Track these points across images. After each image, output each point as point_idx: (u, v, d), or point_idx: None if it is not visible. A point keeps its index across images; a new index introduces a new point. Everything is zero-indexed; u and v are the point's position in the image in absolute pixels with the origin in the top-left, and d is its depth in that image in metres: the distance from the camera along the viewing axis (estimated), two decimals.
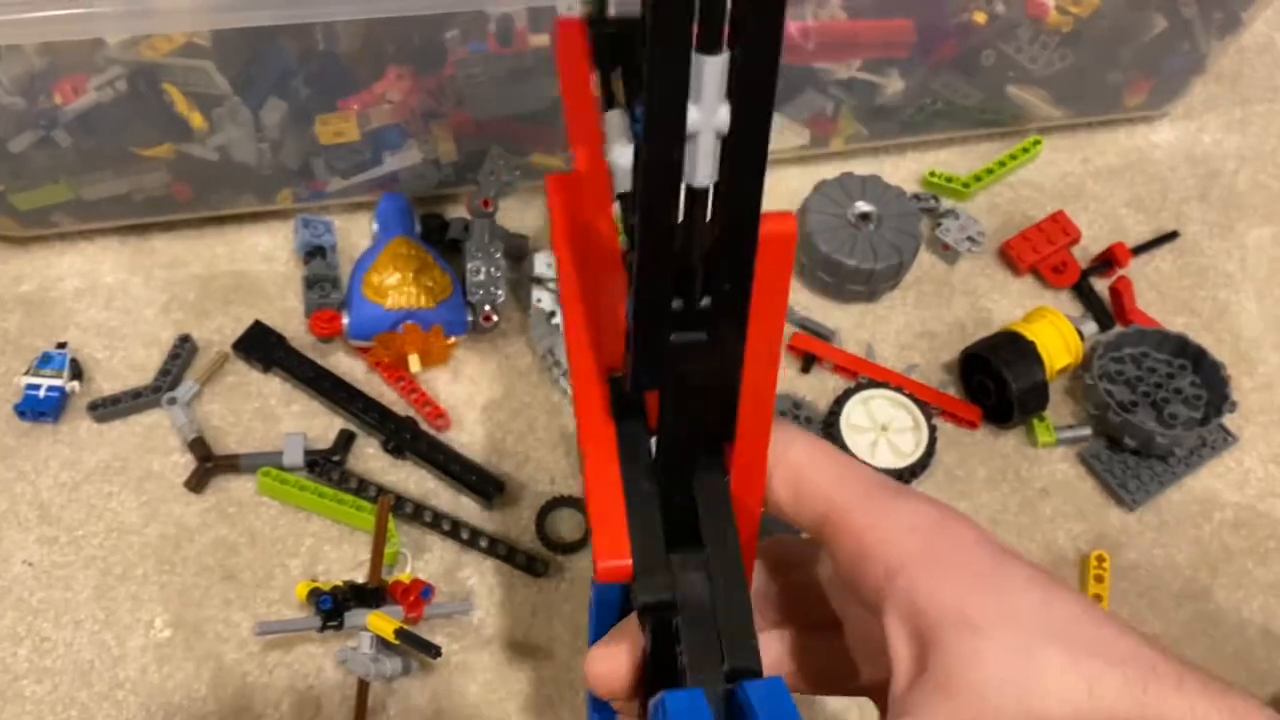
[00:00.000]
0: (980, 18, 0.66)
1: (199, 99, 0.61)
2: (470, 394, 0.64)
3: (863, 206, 0.67)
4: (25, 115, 0.59)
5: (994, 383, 0.63)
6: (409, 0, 0.54)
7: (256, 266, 0.68)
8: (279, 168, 0.65)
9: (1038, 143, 0.75)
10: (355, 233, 0.69)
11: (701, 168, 0.23)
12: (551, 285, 0.67)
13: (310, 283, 0.65)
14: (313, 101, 0.62)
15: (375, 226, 0.67)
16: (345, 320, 0.62)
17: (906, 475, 0.61)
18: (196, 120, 0.61)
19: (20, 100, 0.59)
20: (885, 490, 0.31)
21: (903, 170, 0.74)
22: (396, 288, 0.62)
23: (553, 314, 0.66)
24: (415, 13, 0.55)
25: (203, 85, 0.60)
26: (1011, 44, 0.68)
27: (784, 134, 0.71)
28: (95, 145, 0.61)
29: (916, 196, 0.71)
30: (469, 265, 0.64)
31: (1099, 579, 0.59)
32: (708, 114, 0.22)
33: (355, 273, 0.63)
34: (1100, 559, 0.59)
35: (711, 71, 0.21)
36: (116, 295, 0.66)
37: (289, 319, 0.66)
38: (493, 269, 0.65)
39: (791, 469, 0.31)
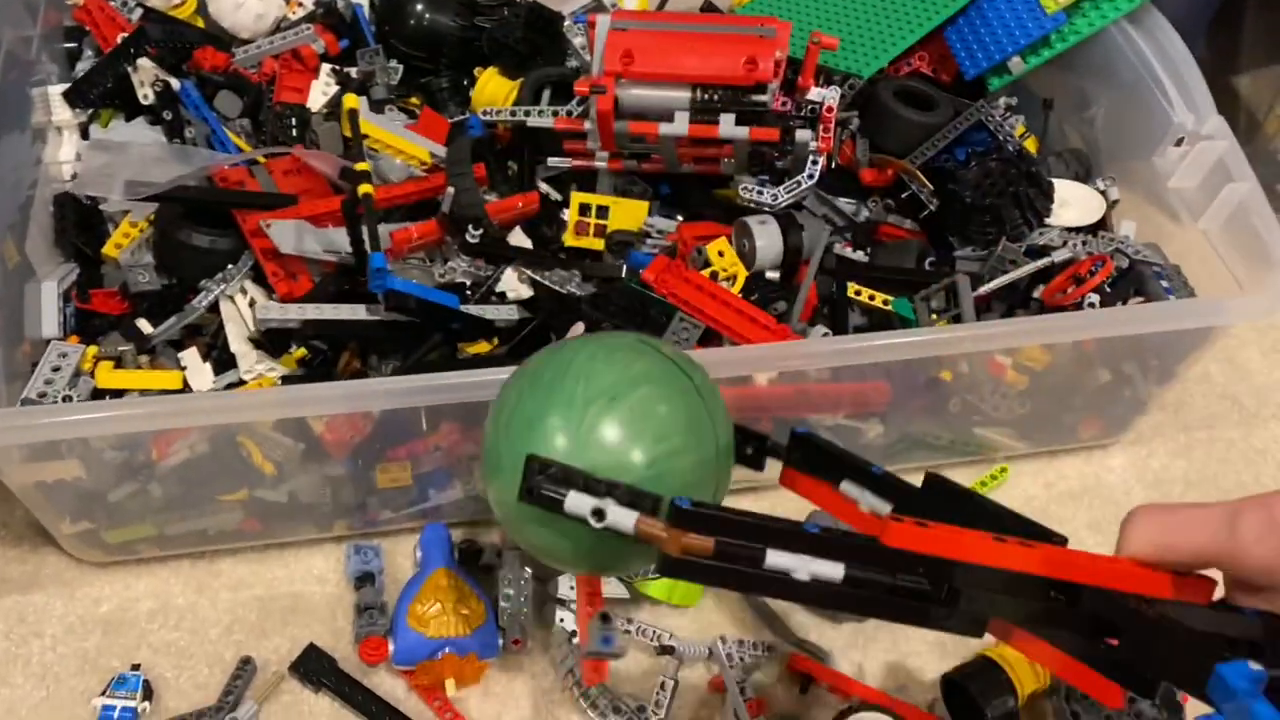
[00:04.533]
0: (947, 375, 0.77)
1: (273, 448, 0.70)
2: (499, 712, 0.71)
3: None
4: (124, 468, 0.68)
5: (972, 708, 0.70)
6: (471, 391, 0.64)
7: (311, 588, 0.76)
8: (338, 505, 0.74)
9: (1004, 470, 0.85)
10: (400, 554, 0.78)
11: None
12: (572, 606, 0.75)
13: (360, 609, 0.73)
14: (374, 452, 0.71)
15: (419, 554, 0.76)
16: (391, 647, 0.70)
17: None
18: (269, 469, 0.71)
19: (122, 454, 0.68)
20: None
21: None
22: (437, 617, 0.70)
23: (573, 634, 0.74)
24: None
25: (275, 443, 0.70)
26: (975, 394, 0.79)
27: (779, 465, 0.80)
28: (183, 493, 0.70)
29: None
30: (502, 593, 0.72)
31: None
32: None
33: (400, 602, 0.71)
34: None
35: None
36: (186, 616, 0.74)
37: (339, 639, 0.73)
38: (522, 597, 0.73)
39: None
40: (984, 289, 0.81)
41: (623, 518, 0.43)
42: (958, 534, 0.41)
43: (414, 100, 0.95)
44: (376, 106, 0.93)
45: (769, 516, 0.44)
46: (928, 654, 0.75)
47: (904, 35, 0.91)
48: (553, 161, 0.87)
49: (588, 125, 0.83)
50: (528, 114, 0.88)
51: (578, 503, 0.44)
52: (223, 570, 0.76)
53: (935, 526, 0.42)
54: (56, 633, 0.73)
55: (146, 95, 0.87)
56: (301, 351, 0.76)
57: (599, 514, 0.43)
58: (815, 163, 0.82)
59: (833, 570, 0.42)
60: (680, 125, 0.79)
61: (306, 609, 0.75)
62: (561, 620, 0.74)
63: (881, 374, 0.75)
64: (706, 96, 0.79)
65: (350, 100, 0.82)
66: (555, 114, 0.87)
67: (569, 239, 0.85)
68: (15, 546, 0.77)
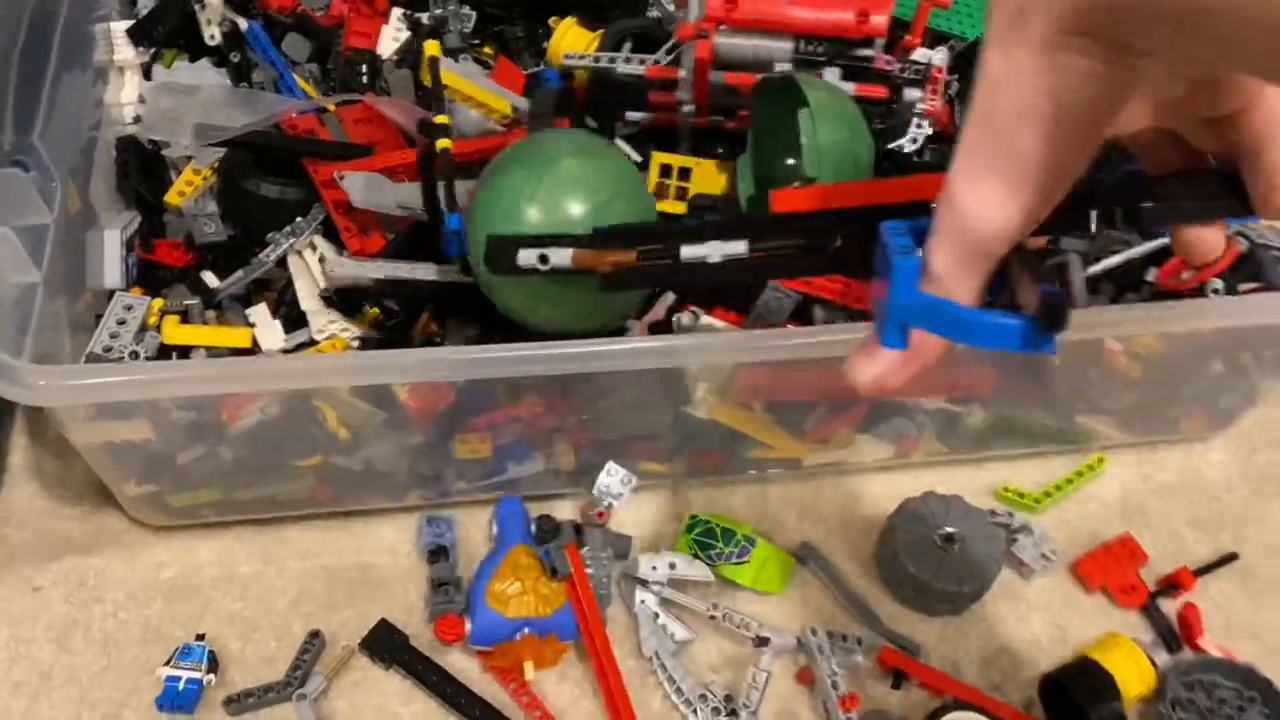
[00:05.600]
0: (1056, 360, 0.73)
1: (350, 413, 0.67)
2: (576, 695, 0.68)
3: (947, 529, 0.72)
4: (194, 430, 0.65)
5: (1074, 710, 0.66)
6: (561, 364, 0.60)
7: (382, 559, 0.73)
8: (413, 475, 0.71)
9: (1101, 460, 0.81)
10: (473, 527, 0.74)
11: None
12: (654, 587, 0.71)
13: (435, 585, 0.69)
14: (455, 421, 0.68)
15: (495, 529, 0.72)
16: (468, 626, 0.67)
17: None
18: (344, 435, 0.67)
19: (191, 414, 0.65)
20: None
21: (977, 481, 0.80)
22: (517, 597, 0.67)
23: (657, 615, 0.70)
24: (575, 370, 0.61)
25: (353, 409, 0.66)
26: (1083, 380, 0.75)
27: (870, 448, 0.77)
28: (254, 457, 0.67)
29: (993, 511, 0.76)
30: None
31: None
32: None
33: (478, 580, 0.68)
34: None
35: None
36: (251, 585, 0.71)
37: (410, 614, 0.70)
38: (604, 576, 0.70)
39: None
40: (1095, 269, 0.77)
41: (562, 256, 0.50)
42: (834, 188, 0.49)
43: (487, 49, 0.91)
44: (450, 55, 0.88)
45: (676, 223, 0.55)
46: (1024, 651, 0.72)
47: None
48: (632, 115, 0.83)
49: (681, 74, 0.79)
50: (613, 60, 0.83)
51: (526, 256, 0.51)
52: (289, 538, 0.73)
53: (814, 186, 0.49)
54: (118, 598, 0.70)
55: (213, 35, 0.83)
56: (375, 311, 0.73)
57: (544, 259, 0.50)
58: (920, 126, 0.78)
59: (737, 247, 0.47)
60: None
61: (377, 581, 0.71)
62: (643, 601, 0.71)
63: (986, 356, 0.71)
64: (810, 48, 0.74)
65: (431, 47, 0.78)
66: (644, 61, 0.82)
67: None
68: (75, 505, 0.73)
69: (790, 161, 0.71)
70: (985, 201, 0.36)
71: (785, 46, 0.74)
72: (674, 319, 0.70)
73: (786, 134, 0.70)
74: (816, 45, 0.74)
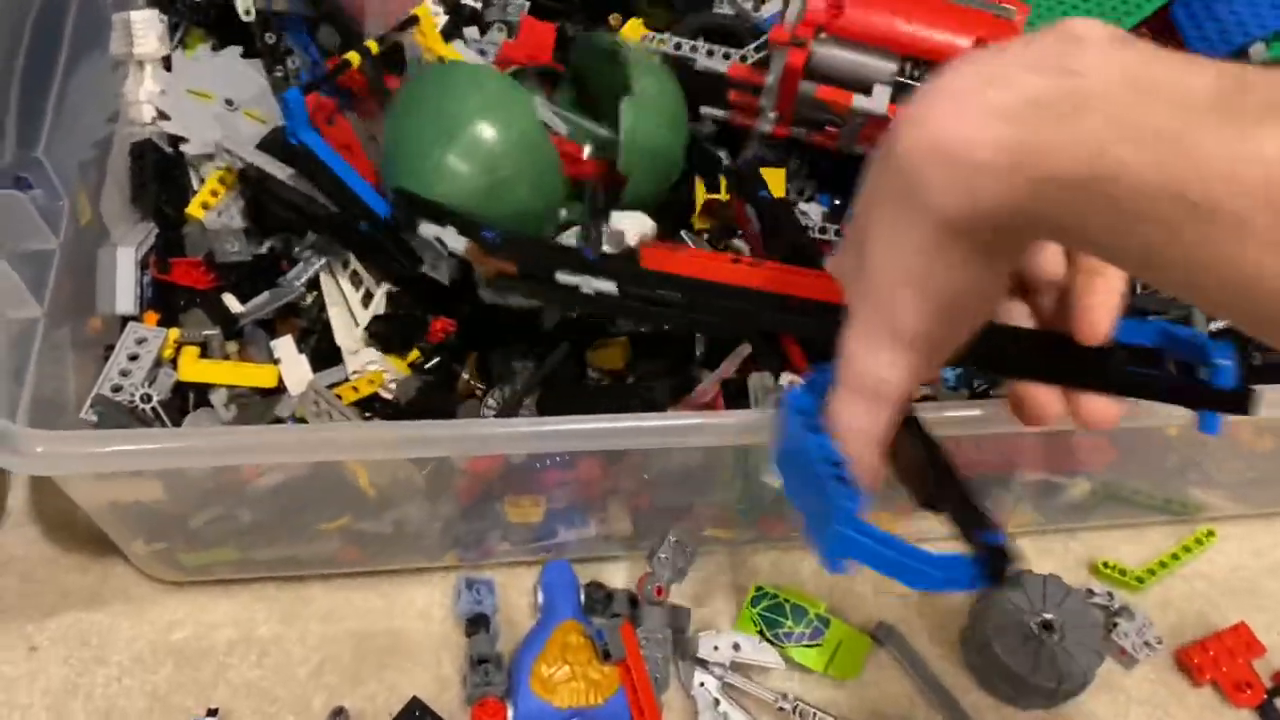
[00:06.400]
0: (1172, 430, 0.65)
1: (384, 474, 0.60)
2: None
3: (1045, 615, 0.64)
4: (209, 490, 0.58)
5: None
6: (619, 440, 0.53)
7: (413, 624, 0.66)
8: (450, 535, 0.64)
9: (1211, 533, 0.73)
10: (515, 590, 0.67)
11: None
12: (715, 669, 0.64)
13: (474, 662, 0.62)
14: (509, 484, 0.61)
15: (540, 597, 0.65)
16: (510, 714, 0.60)
17: None
18: (374, 494, 0.60)
19: (207, 473, 0.57)
20: None
21: (1072, 554, 0.72)
22: (566, 683, 0.60)
23: (718, 702, 0.63)
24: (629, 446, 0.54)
25: (390, 469, 0.59)
26: (1200, 452, 0.67)
27: None
28: (275, 519, 0.60)
29: (1090, 590, 0.69)
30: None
31: None
32: None
33: (522, 659, 0.61)
34: None
35: None
36: (270, 650, 0.64)
37: (444, 689, 0.63)
38: (659, 656, 0.63)
39: None
40: (1215, 325, 0.69)
41: (457, 244, 0.54)
42: (699, 256, 0.53)
43: None
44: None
45: (559, 244, 0.61)
46: None
47: (1128, 14, 0.77)
48: (708, 111, 0.74)
49: (768, 79, 0.70)
50: (694, 50, 0.75)
51: (426, 230, 0.56)
52: (313, 597, 0.66)
53: (684, 250, 0.54)
54: (123, 661, 0.63)
55: (249, 11, 0.74)
56: (415, 354, 0.65)
57: (441, 242, 0.54)
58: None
59: (608, 286, 0.52)
60: (879, 102, 0.65)
61: (407, 650, 0.64)
62: (702, 684, 0.64)
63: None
64: (916, 73, 0.65)
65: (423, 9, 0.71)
66: (728, 57, 0.74)
67: (697, 220, 0.73)
68: (77, 552, 0.66)
69: (605, 134, 0.69)
70: (880, 363, 0.39)
71: (888, 67, 0.65)
72: (749, 381, 0.62)
73: (608, 116, 0.68)
74: (924, 71, 0.65)
